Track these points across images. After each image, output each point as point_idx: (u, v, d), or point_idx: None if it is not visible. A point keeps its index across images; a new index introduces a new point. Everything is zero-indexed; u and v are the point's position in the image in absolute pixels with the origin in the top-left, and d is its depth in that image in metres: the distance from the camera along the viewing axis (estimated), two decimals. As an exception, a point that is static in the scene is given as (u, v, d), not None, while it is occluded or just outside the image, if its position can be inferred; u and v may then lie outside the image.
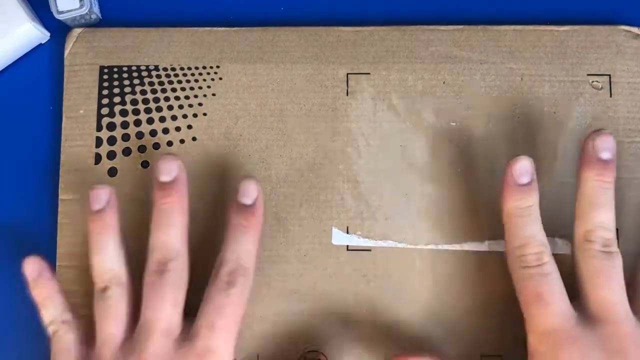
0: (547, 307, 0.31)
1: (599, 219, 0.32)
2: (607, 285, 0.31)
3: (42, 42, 0.40)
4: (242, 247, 0.33)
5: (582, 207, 0.33)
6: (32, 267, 0.34)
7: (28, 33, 0.38)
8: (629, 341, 0.30)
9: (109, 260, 0.33)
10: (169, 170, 0.33)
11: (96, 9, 0.38)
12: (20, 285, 0.37)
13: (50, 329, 0.34)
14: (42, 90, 0.39)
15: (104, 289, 0.33)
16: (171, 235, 0.33)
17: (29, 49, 0.39)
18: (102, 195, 0.34)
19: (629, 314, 0.31)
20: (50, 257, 0.37)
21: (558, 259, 0.33)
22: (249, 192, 0.34)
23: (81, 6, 0.37)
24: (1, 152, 0.39)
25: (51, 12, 0.37)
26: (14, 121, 0.39)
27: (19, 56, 0.39)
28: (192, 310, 0.33)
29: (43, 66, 0.39)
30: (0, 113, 0.39)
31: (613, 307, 0.31)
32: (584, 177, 0.32)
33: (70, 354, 0.33)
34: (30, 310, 0.34)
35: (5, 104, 0.39)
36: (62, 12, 0.37)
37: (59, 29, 0.39)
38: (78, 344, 0.33)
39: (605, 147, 0.32)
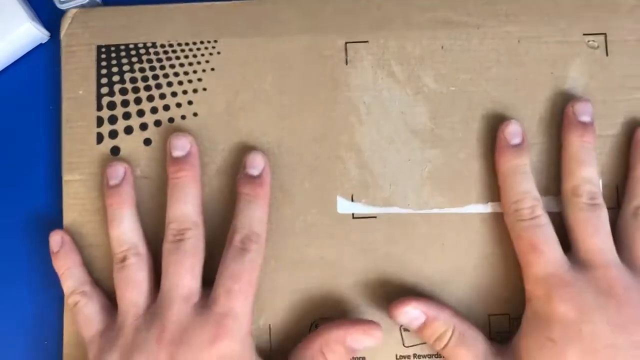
0: (542, 255, 0.33)
1: (584, 174, 0.34)
2: (595, 233, 0.34)
3: (42, 42, 0.39)
4: (253, 215, 0.34)
5: (568, 165, 0.35)
6: (55, 239, 0.36)
7: (28, 33, 0.38)
8: (617, 283, 0.32)
9: (127, 232, 0.34)
10: (181, 145, 0.35)
11: None
12: (29, 266, 0.37)
13: (70, 300, 0.35)
14: (42, 90, 0.39)
15: (123, 259, 0.34)
16: (187, 207, 0.34)
17: (29, 49, 0.39)
18: (119, 171, 0.35)
19: (617, 259, 0.33)
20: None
21: (551, 215, 0.35)
22: (256, 164, 0.35)
23: None
24: (1, 153, 0.39)
25: (51, 13, 0.37)
26: (14, 122, 0.39)
27: (19, 56, 0.39)
28: (208, 280, 0.34)
29: (43, 66, 0.39)
30: (0, 113, 0.39)
31: (602, 253, 0.33)
32: (567, 139, 0.35)
33: (93, 324, 0.34)
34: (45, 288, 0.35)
35: (5, 104, 0.39)
36: (64, 2, 0.36)
37: (59, 29, 0.38)
38: (99, 313, 0.34)
39: (584, 111, 0.35)
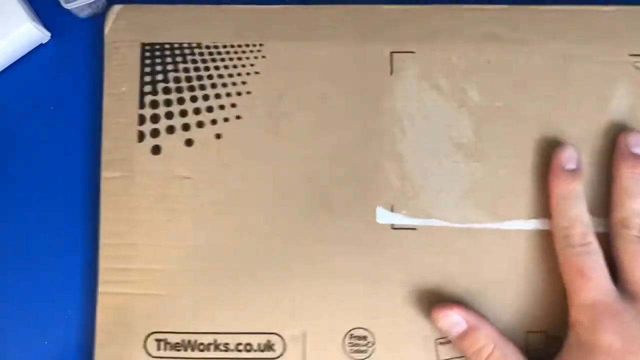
0: (590, 281, 0.33)
1: (633, 206, 0.34)
2: None
3: (43, 43, 0.39)
4: None
5: (619, 196, 0.35)
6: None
7: (28, 33, 0.37)
8: None
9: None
10: None
11: None
12: (62, 265, 0.37)
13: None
14: (43, 91, 0.39)
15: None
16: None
17: (30, 49, 0.39)
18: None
19: None
20: (93, 236, 0.37)
21: (602, 236, 0.35)
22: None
23: None
24: (1, 153, 0.38)
25: (52, 13, 0.37)
26: (14, 122, 0.39)
27: (20, 56, 0.39)
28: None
29: (44, 66, 0.39)
30: (1, 114, 0.39)
31: None
32: (618, 170, 0.35)
33: None
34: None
35: (6, 105, 0.39)
36: (69, 1, 0.36)
37: (59, 29, 0.38)
38: None
39: (637, 142, 0.36)
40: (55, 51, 0.39)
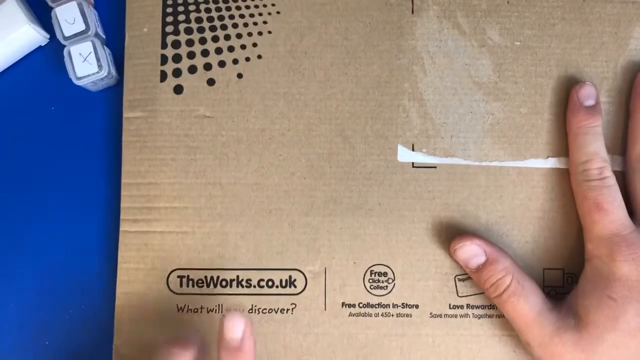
0: (607, 214, 0.33)
1: None
2: None
3: (42, 45, 0.39)
4: None
5: (635, 132, 0.35)
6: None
7: (27, 35, 0.37)
8: None
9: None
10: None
11: (113, 71, 0.37)
12: (83, 209, 0.37)
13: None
14: (42, 92, 0.39)
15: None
16: None
17: (29, 51, 0.39)
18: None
19: None
20: (116, 176, 0.37)
21: (619, 175, 0.35)
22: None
23: (99, 70, 0.36)
24: (1, 154, 0.39)
25: (49, 15, 0.37)
26: (14, 124, 0.39)
27: (18, 58, 0.39)
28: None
29: (42, 68, 0.39)
30: (1, 114, 0.39)
31: None
32: (635, 107, 0.35)
33: None
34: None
35: (6, 106, 0.39)
36: (80, 78, 0.36)
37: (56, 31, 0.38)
38: None
39: None
40: (53, 53, 0.39)
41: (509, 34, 0.37)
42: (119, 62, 0.38)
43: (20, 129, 0.39)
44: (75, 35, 0.36)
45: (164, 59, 0.37)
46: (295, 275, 0.36)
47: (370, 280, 0.36)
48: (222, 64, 0.37)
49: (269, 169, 0.36)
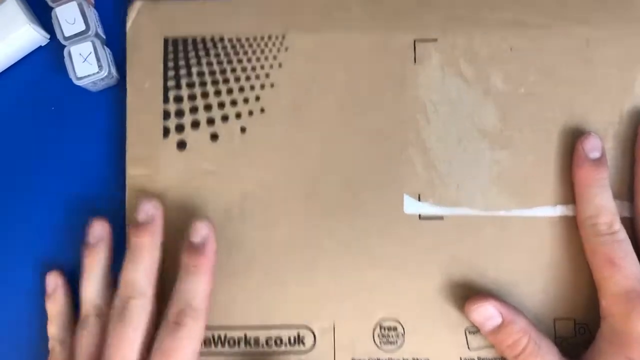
0: (620, 270, 0.32)
1: None
2: None
3: (42, 45, 0.39)
4: (192, 288, 0.32)
5: None
6: (50, 281, 0.36)
7: (27, 35, 0.37)
8: None
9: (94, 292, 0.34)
10: (144, 209, 0.34)
11: (114, 71, 0.37)
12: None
13: (49, 345, 0.35)
14: (43, 92, 0.39)
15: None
16: (138, 273, 0.33)
17: (29, 51, 0.39)
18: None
19: None
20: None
21: (628, 221, 0.35)
22: (199, 232, 0.33)
23: (99, 70, 0.36)
24: (1, 153, 0.38)
25: (49, 15, 0.37)
26: (15, 123, 0.39)
27: (19, 58, 0.39)
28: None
29: (43, 68, 0.39)
30: (1, 114, 0.39)
31: None
32: (639, 154, 0.35)
33: None
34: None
35: (6, 107, 0.39)
36: (81, 78, 0.36)
37: (55, 31, 0.38)
38: None
39: None
40: (54, 53, 0.38)
41: (513, 81, 0.37)
42: (119, 62, 0.38)
43: (20, 129, 0.38)
44: (76, 35, 0.36)
45: (166, 114, 0.37)
46: (303, 332, 0.36)
47: (380, 336, 0.36)
48: (225, 118, 0.37)
49: (274, 224, 0.36)
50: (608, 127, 0.37)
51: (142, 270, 0.33)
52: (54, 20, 0.36)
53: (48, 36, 0.39)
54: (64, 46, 0.37)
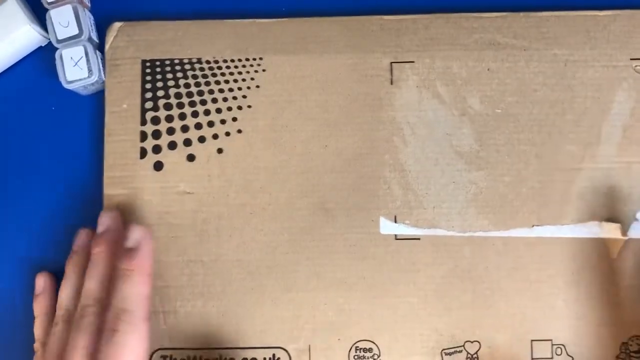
0: None
1: None
2: None
3: (42, 45, 0.39)
4: (126, 292, 0.32)
5: None
6: (39, 282, 0.36)
7: (28, 35, 0.38)
8: None
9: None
10: (101, 222, 0.35)
11: (104, 76, 0.37)
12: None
13: (35, 345, 0.35)
14: (41, 92, 0.39)
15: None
16: (94, 282, 0.33)
17: (29, 52, 0.39)
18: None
19: None
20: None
21: (596, 242, 0.35)
22: (132, 236, 0.34)
23: (89, 75, 0.36)
24: (1, 154, 0.39)
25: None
26: (15, 123, 0.39)
27: (19, 59, 0.39)
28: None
29: (43, 68, 0.39)
30: (1, 114, 0.39)
31: None
32: None
33: None
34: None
35: (6, 107, 0.39)
36: (70, 82, 0.36)
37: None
38: None
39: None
40: (54, 53, 0.39)
41: (490, 102, 0.37)
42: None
43: (20, 129, 0.39)
44: (68, 38, 0.36)
45: (143, 136, 0.37)
46: (279, 353, 0.36)
47: (356, 357, 0.36)
48: (202, 139, 0.37)
49: (250, 245, 0.36)
50: (586, 148, 0.37)
51: (99, 279, 0.33)
52: (48, 22, 0.37)
53: (48, 37, 0.39)
54: (105, 39, 0.37)
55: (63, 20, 0.36)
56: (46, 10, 0.37)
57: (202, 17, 0.38)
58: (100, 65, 0.37)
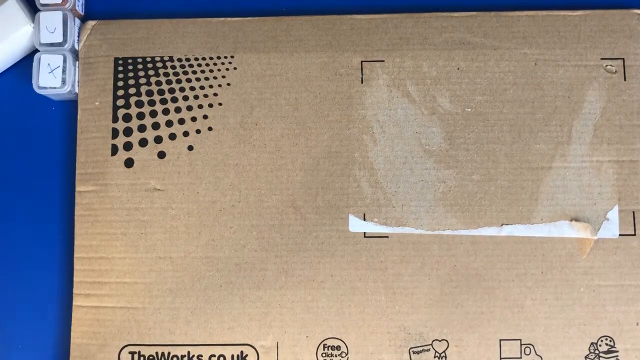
0: None
1: None
2: None
3: None
4: None
5: None
6: None
7: (28, 35, 0.38)
8: None
9: None
10: None
11: (77, 89, 0.38)
12: (38, 281, 0.37)
13: None
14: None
15: None
16: None
17: (29, 52, 0.39)
18: None
19: None
20: (67, 250, 0.37)
21: (566, 241, 0.35)
22: None
23: (62, 85, 0.36)
24: (1, 154, 0.39)
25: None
26: (15, 123, 0.39)
27: (19, 58, 0.39)
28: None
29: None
30: (1, 115, 0.39)
31: None
32: None
33: None
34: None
35: (6, 106, 0.39)
36: (42, 88, 0.36)
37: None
38: None
39: None
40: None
41: (460, 101, 0.37)
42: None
43: (20, 130, 0.39)
44: (51, 45, 0.37)
45: (115, 133, 0.37)
46: (247, 350, 0.36)
47: (324, 355, 0.35)
48: (172, 136, 0.37)
49: (219, 242, 0.36)
50: (557, 146, 0.37)
51: None
52: (35, 22, 0.37)
53: None
54: (82, 56, 0.37)
55: (50, 26, 0.37)
56: (38, 10, 0.38)
57: (174, 16, 0.38)
58: (76, 78, 0.37)
